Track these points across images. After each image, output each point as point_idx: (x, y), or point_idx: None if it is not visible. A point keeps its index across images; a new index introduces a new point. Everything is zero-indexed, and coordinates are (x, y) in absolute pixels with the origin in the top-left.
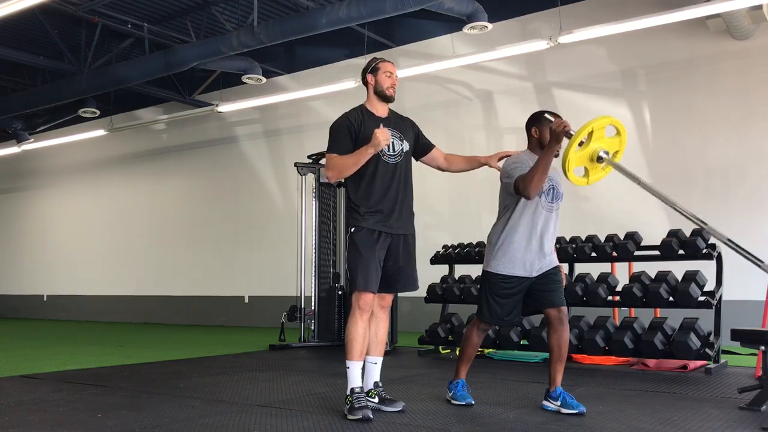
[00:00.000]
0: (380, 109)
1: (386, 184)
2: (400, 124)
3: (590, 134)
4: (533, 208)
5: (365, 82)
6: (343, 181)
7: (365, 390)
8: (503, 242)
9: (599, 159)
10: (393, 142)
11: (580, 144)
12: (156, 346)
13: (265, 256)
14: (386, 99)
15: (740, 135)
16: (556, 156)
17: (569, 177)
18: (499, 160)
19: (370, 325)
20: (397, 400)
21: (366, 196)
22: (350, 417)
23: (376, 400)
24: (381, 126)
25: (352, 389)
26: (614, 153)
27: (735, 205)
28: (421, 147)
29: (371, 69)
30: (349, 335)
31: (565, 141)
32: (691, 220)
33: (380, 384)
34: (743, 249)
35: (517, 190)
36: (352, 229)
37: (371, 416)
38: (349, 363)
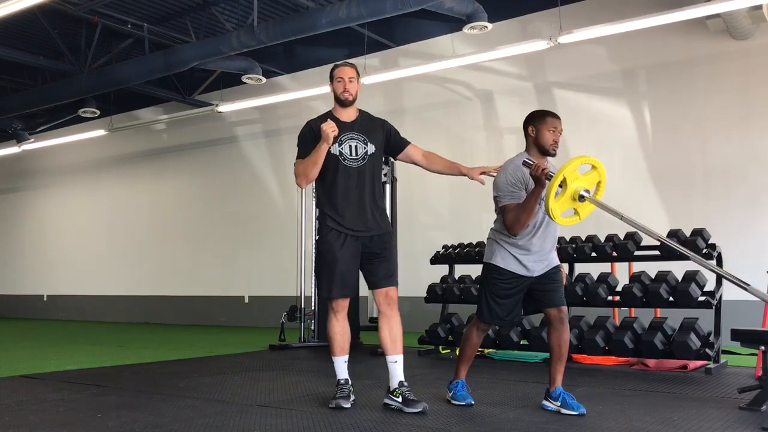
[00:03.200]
0: (344, 115)
1: (349, 189)
2: (368, 126)
3: (564, 181)
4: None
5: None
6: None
7: (391, 389)
8: (503, 241)
9: (581, 198)
10: (356, 146)
11: (561, 186)
12: (156, 346)
13: (265, 256)
14: (342, 104)
15: (740, 135)
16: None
17: (559, 222)
18: (481, 173)
19: (382, 326)
20: (420, 401)
21: (330, 201)
22: (330, 405)
23: (400, 399)
24: (332, 125)
25: (338, 381)
26: (597, 184)
27: (735, 205)
28: (393, 145)
29: (330, 77)
30: (328, 334)
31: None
32: (684, 254)
33: (405, 383)
34: (735, 277)
35: (504, 217)
36: (317, 237)
37: (344, 406)
38: (332, 358)
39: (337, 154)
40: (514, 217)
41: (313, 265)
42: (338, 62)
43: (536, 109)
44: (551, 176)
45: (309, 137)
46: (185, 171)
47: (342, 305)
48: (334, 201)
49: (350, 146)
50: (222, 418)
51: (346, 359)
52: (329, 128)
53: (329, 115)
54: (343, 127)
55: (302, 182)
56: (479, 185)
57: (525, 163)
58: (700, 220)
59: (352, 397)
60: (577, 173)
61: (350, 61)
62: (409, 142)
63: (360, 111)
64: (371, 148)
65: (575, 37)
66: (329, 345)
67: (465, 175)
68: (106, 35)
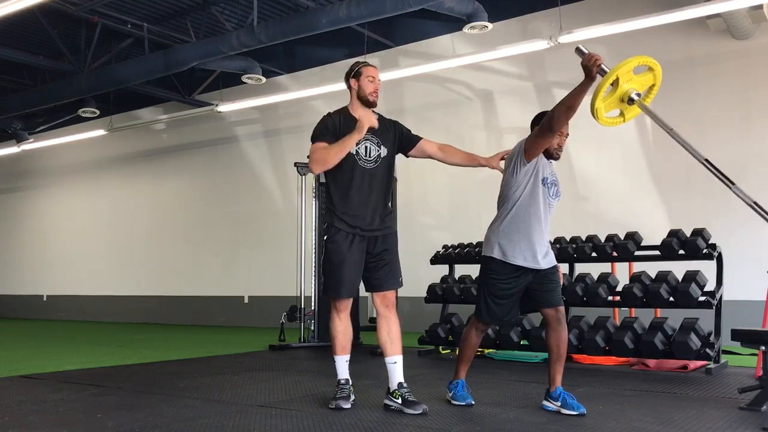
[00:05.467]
0: (362, 114)
1: (362, 189)
2: (381, 129)
3: (616, 81)
4: (535, 199)
5: (348, 86)
6: (324, 180)
7: (390, 390)
8: (504, 231)
9: (630, 101)
10: (369, 148)
11: (612, 85)
12: (156, 346)
13: (265, 256)
14: (368, 104)
15: (740, 135)
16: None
17: (600, 122)
18: (501, 159)
19: (380, 327)
20: (420, 402)
21: (342, 199)
22: (330, 406)
23: (400, 401)
24: (372, 119)
25: (338, 381)
26: (650, 88)
27: (735, 204)
28: (405, 143)
29: (354, 73)
30: (330, 333)
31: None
32: (720, 178)
33: (405, 384)
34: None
35: (534, 137)
36: (326, 237)
37: (344, 406)
38: (334, 357)
39: (354, 153)
40: (555, 108)
41: (319, 265)
42: (361, 60)
43: (538, 109)
44: (604, 71)
45: (330, 128)
46: (185, 171)
47: (346, 305)
48: (344, 200)
49: (365, 147)
50: (222, 419)
51: (348, 359)
52: (368, 121)
53: (346, 114)
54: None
55: (318, 168)
56: (480, 185)
57: (579, 50)
58: (700, 220)
59: (352, 397)
60: (632, 74)
61: (351, 61)
62: (421, 138)
63: (372, 112)
64: (384, 151)
65: (575, 36)
66: (331, 344)
67: (485, 165)
68: (105, 35)
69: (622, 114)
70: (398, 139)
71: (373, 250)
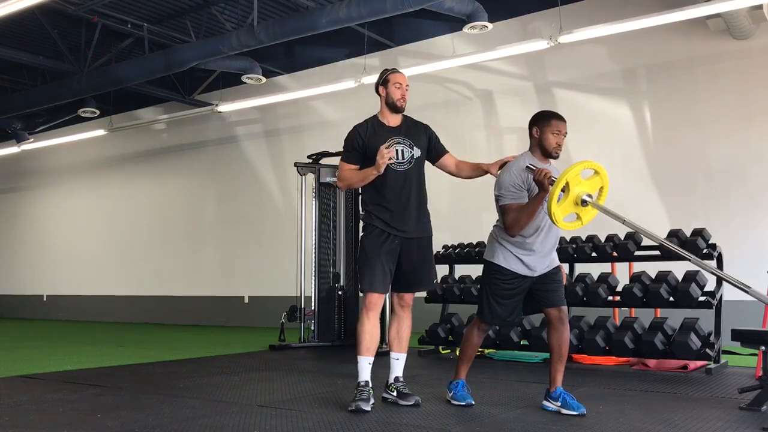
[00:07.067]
0: (391, 120)
1: (396, 191)
2: (412, 131)
3: (566, 185)
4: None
5: (378, 93)
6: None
7: (388, 383)
8: (505, 241)
9: (583, 203)
10: (402, 150)
11: (563, 191)
12: (156, 346)
13: (265, 256)
14: (396, 110)
15: (740, 135)
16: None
17: (561, 227)
18: (500, 168)
19: (392, 324)
20: (413, 394)
21: (377, 202)
22: (349, 408)
23: (395, 393)
24: (386, 144)
25: (358, 383)
26: (599, 190)
27: (735, 205)
28: (434, 152)
29: (382, 81)
30: (356, 332)
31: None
32: (686, 258)
33: (401, 379)
34: (736, 280)
35: (503, 217)
36: (362, 233)
37: (364, 408)
38: (357, 357)
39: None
40: (514, 218)
41: (318, 263)
42: (388, 68)
43: (538, 109)
44: (554, 181)
45: (356, 143)
46: (185, 171)
47: (377, 302)
48: (381, 202)
49: (397, 150)
50: (222, 419)
51: (371, 361)
52: (382, 160)
53: (376, 122)
54: (391, 131)
55: (343, 187)
56: (480, 185)
57: (528, 168)
58: (701, 220)
59: (372, 401)
60: (580, 178)
61: (351, 61)
62: (447, 151)
63: (404, 116)
64: (417, 152)
65: (575, 37)
66: (356, 343)
67: (487, 171)
68: (105, 35)
69: (579, 217)
70: (429, 144)
71: (407, 252)
